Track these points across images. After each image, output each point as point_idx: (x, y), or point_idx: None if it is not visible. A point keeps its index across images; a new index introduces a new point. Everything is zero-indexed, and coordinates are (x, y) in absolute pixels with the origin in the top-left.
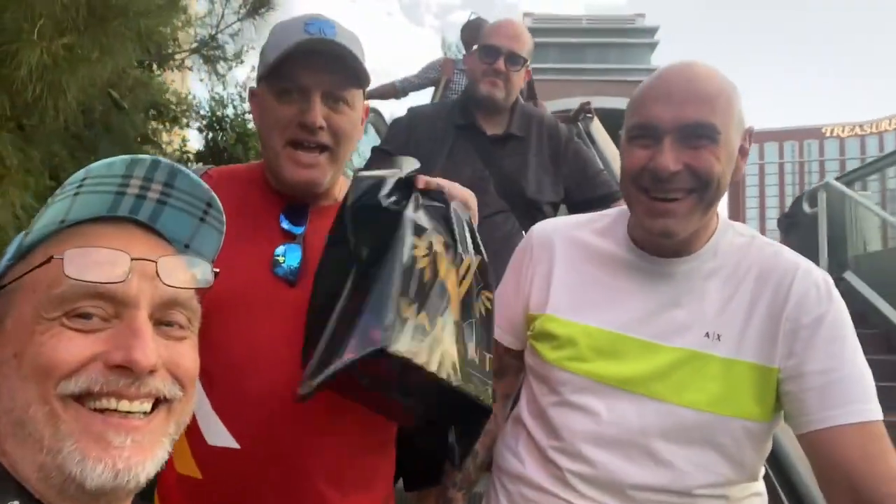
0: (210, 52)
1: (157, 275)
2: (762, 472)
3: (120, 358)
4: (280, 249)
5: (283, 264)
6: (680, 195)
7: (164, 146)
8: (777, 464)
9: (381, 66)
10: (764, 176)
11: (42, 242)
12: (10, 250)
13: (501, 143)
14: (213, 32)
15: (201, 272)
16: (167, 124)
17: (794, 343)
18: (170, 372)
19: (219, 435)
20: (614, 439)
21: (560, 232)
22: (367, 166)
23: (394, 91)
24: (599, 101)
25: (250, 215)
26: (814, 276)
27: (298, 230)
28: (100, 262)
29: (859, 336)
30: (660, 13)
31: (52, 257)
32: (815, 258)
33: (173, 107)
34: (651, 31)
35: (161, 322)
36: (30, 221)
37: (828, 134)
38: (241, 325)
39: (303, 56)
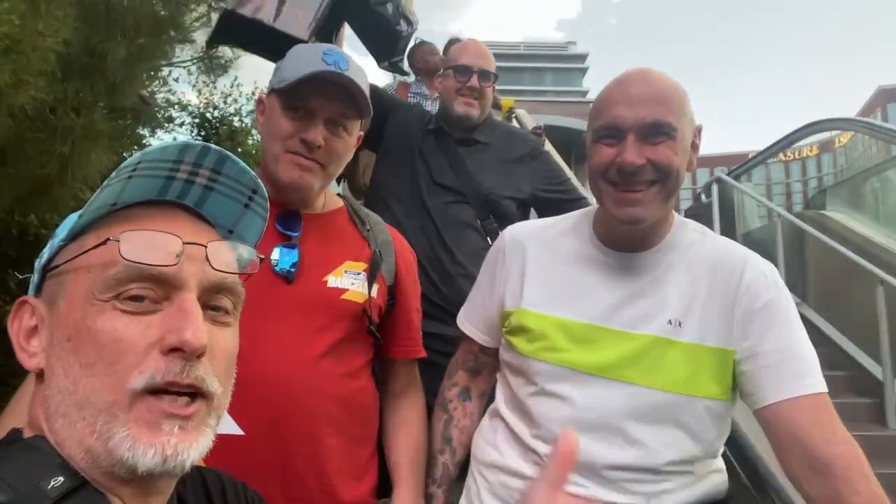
0: (210, 61)
1: (207, 259)
2: (721, 450)
3: (174, 340)
4: (276, 252)
5: (278, 265)
6: (644, 187)
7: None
8: (734, 443)
9: None
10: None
11: (94, 224)
12: (63, 231)
13: (466, 144)
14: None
15: (247, 254)
16: (163, 123)
17: (748, 326)
18: (210, 362)
19: (223, 423)
20: (589, 423)
21: (530, 234)
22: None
23: None
24: (537, 119)
25: None
26: (761, 267)
27: (294, 234)
28: (154, 244)
29: None
30: (590, 43)
31: (108, 239)
32: None
33: (169, 107)
34: (582, 58)
35: (208, 306)
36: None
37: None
38: (243, 318)
39: (317, 82)
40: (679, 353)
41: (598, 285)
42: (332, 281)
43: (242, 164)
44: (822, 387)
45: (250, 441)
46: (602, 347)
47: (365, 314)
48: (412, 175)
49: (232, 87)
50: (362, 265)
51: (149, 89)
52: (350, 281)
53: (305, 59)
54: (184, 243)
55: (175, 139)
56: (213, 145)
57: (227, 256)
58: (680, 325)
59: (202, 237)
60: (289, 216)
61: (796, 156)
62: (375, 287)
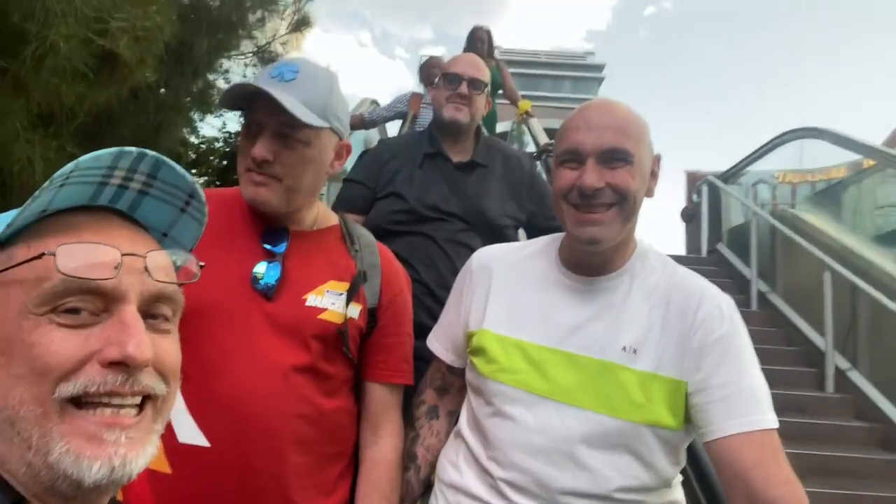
0: (263, 54)
1: (146, 269)
2: (678, 479)
3: (116, 354)
4: (259, 266)
5: (261, 280)
6: (603, 209)
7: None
8: (699, 473)
9: (352, 92)
10: None
11: (23, 233)
12: None
13: (466, 169)
14: (267, 42)
15: (182, 260)
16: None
17: (701, 359)
18: (155, 368)
19: (190, 433)
20: (541, 446)
21: (497, 257)
22: (339, 197)
23: (361, 122)
24: (553, 124)
25: (234, 233)
26: (717, 300)
27: (279, 250)
28: (91, 257)
29: (724, 285)
30: (618, 55)
31: (43, 253)
32: (701, 236)
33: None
34: (599, 68)
35: (147, 315)
36: None
37: (780, 179)
38: (218, 331)
39: (261, 97)
40: (633, 380)
41: (558, 308)
42: (312, 299)
43: (181, 169)
44: (770, 423)
45: (214, 452)
46: (556, 370)
47: (340, 334)
48: (412, 205)
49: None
50: (346, 285)
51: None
52: (331, 300)
53: (258, 77)
54: (122, 254)
55: (224, 124)
56: (150, 151)
57: (167, 265)
58: (635, 352)
59: (139, 246)
60: (275, 232)
61: (824, 176)
62: (357, 308)
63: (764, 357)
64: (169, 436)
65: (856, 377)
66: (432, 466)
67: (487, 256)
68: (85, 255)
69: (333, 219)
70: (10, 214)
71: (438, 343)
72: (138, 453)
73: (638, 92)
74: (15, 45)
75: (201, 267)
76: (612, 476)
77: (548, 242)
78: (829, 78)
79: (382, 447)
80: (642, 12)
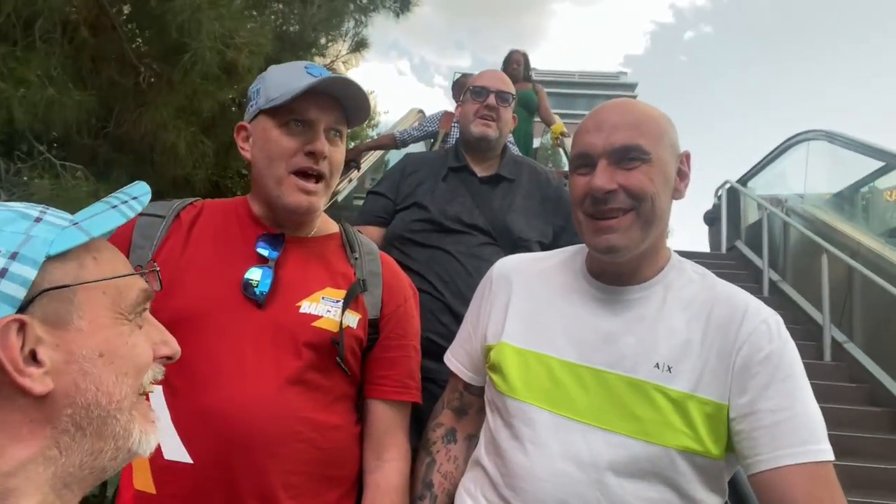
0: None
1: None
2: None
3: (170, 350)
4: (252, 272)
5: (253, 286)
6: (619, 214)
7: None
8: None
9: (392, 119)
10: None
11: (77, 247)
12: (43, 249)
13: (491, 183)
14: (332, 61)
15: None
16: None
17: (747, 380)
18: None
19: (174, 449)
20: (565, 474)
21: (518, 267)
22: (362, 209)
23: (393, 142)
24: None
25: (228, 240)
26: (763, 315)
27: (273, 255)
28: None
29: (740, 276)
30: (658, 80)
31: (153, 268)
32: (721, 234)
33: None
34: (632, 86)
35: None
36: None
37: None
38: (206, 342)
39: (312, 94)
40: (666, 402)
41: (583, 320)
42: (306, 306)
43: (146, 187)
44: (826, 454)
45: (198, 470)
46: (582, 388)
47: (334, 343)
48: (434, 215)
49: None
50: (343, 293)
51: None
52: (326, 308)
53: (290, 75)
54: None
55: None
56: (147, 186)
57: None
58: (670, 369)
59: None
60: (272, 238)
61: None
62: (355, 318)
63: None
64: (156, 454)
65: (851, 348)
66: (449, 496)
67: (508, 266)
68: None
69: (334, 227)
70: (49, 229)
71: (455, 359)
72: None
73: (676, 111)
74: (173, 54)
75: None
76: None
77: (573, 252)
78: (865, 99)
79: (387, 472)
80: (682, 36)
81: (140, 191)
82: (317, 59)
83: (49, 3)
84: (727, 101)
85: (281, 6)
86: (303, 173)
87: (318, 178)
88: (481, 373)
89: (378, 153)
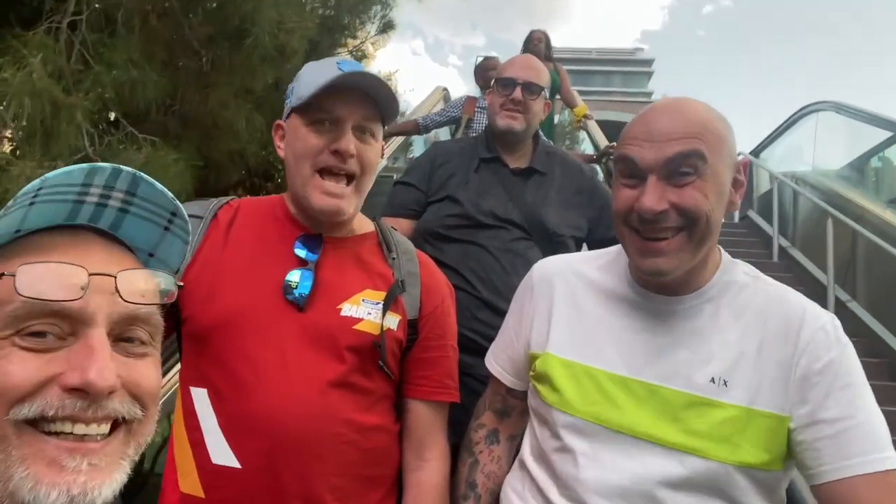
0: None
1: (117, 290)
2: None
3: (76, 379)
4: (293, 274)
5: (294, 289)
6: (669, 234)
7: None
8: None
9: (406, 101)
10: None
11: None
12: None
13: (524, 176)
14: (361, 42)
15: (165, 283)
16: None
17: (807, 390)
18: (129, 392)
19: (222, 453)
20: (618, 488)
21: (561, 268)
22: (390, 201)
23: (416, 128)
24: (604, 115)
25: (266, 242)
26: (822, 320)
27: (312, 257)
28: (55, 277)
29: (751, 244)
30: (676, 55)
31: (2, 274)
32: None
33: None
34: (648, 62)
35: (121, 338)
36: None
37: None
38: (248, 346)
39: (338, 90)
40: (723, 416)
41: (632, 330)
42: (347, 309)
43: (159, 186)
44: (891, 462)
45: (245, 474)
46: (633, 402)
47: (376, 346)
48: (468, 210)
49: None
50: (383, 294)
51: None
52: (367, 310)
53: (320, 72)
54: (90, 274)
55: None
56: (125, 167)
57: (142, 285)
58: (725, 383)
59: (113, 265)
60: (310, 239)
61: None
62: (395, 319)
63: None
64: (203, 457)
65: (853, 306)
66: (493, 495)
67: (549, 268)
68: (48, 274)
69: (369, 225)
70: None
71: (497, 364)
72: (102, 482)
73: (694, 87)
74: (232, 40)
75: (180, 287)
76: None
77: (616, 254)
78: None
79: (428, 471)
80: (700, 11)
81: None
82: (349, 40)
83: None
84: (746, 75)
85: None
86: (329, 172)
87: (349, 178)
88: (524, 378)
89: (400, 139)
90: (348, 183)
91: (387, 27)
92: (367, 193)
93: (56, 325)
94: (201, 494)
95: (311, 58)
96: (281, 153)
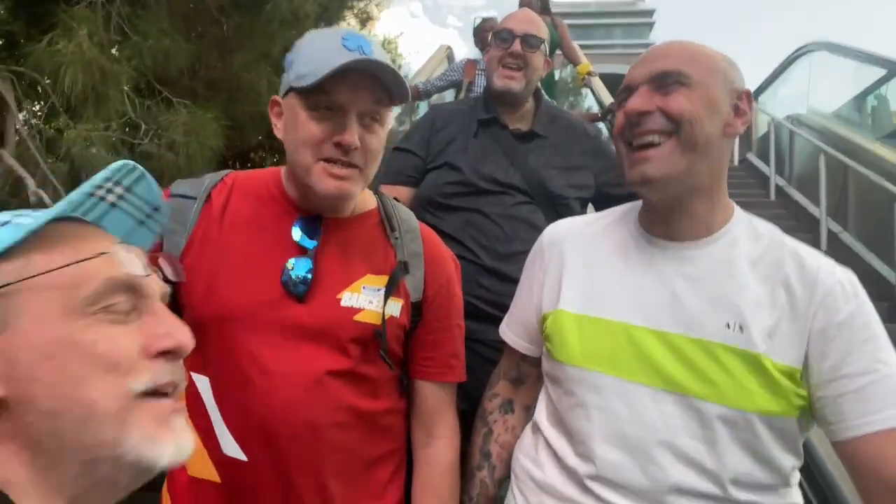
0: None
1: (159, 270)
2: (796, 478)
3: (171, 343)
4: (291, 263)
5: (293, 281)
6: (655, 138)
7: None
8: (812, 477)
9: (405, 64)
10: None
11: (25, 242)
12: None
13: (525, 139)
14: (365, 4)
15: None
16: None
17: (825, 344)
18: None
19: (230, 446)
20: (636, 438)
21: (570, 231)
22: (389, 167)
23: (417, 94)
24: (606, 69)
25: (263, 228)
26: (838, 275)
27: (312, 244)
28: (133, 257)
29: (749, 185)
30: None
31: (101, 253)
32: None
33: None
34: (649, 13)
35: None
36: None
37: None
38: (247, 339)
39: (344, 73)
40: (741, 363)
41: (643, 277)
42: (347, 298)
43: (156, 186)
44: None
45: (253, 467)
46: (648, 351)
47: (377, 336)
48: (467, 176)
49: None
50: (384, 279)
51: None
52: (368, 298)
53: (324, 49)
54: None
55: None
56: (139, 167)
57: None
58: (741, 328)
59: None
60: (309, 222)
61: None
62: (398, 304)
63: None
64: (215, 447)
65: (845, 237)
66: (508, 465)
67: (558, 231)
68: (130, 255)
69: (372, 201)
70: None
71: (511, 331)
72: (191, 438)
73: (693, 29)
74: (255, 5)
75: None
76: (720, 472)
77: (626, 209)
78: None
79: (439, 447)
80: None
81: (99, 179)
82: (355, 2)
83: None
84: (752, 21)
85: None
86: (331, 161)
87: (354, 165)
88: (538, 343)
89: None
90: (351, 167)
91: (366, 19)
92: (371, 177)
93: (127, 300)
94: (217, 480)
95: (321, 21)
96: (278, 132)
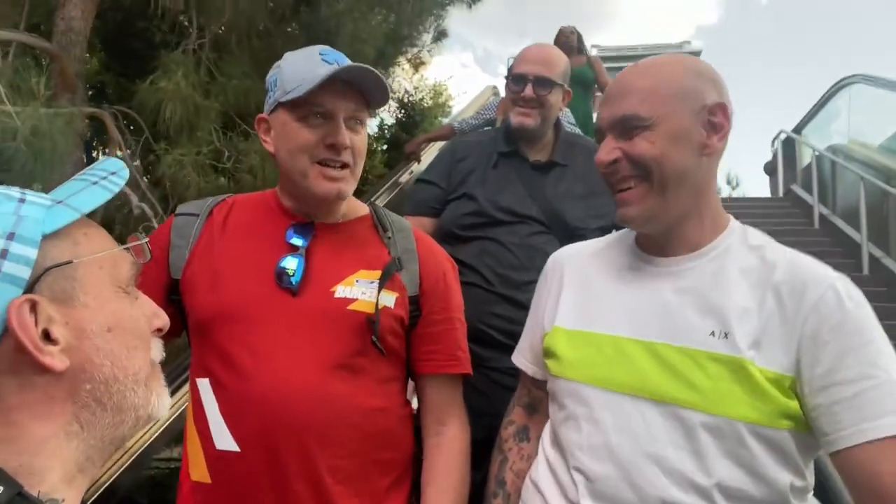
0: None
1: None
2: (803, 499)
3: (161, 322)
4: (284, 261)
5: (286, 275)
6: (631, 183)
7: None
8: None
9: (454, 105)
10: None
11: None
12: (38, 228)
13: (544, 170)
14: (418, 50)
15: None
16: None
17: (818, 350)
18: None
19: (223, 439)
20: (623, 449)
21: (571, 254)
22: (412, 199)
23: (452, 133)
24: None
25: (260, 234)
26: (830, 280)
27: (303, 243)
28: (138, 246)
29: (793, 214)
30: (733, 53)
31: (139, 241)
32: (778, 180)
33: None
34: (696, 54)
35: None
36: None
37: None
38: (244, 333)
39: (328, 83)
40: (723, 369)
41: (635, 295)
42: (341, 291)
43: (119, 163)
44: None
45: (244, 458)
46: (634, 362)
47: (369, 322)
48: (483, 206)
49: (420, 80)
50: (378, 273)
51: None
52: (361, 290)
53: (306, 64)
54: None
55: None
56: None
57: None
58: (725, 336)
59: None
60: (302, 227)
61: None
62: (392, 296)
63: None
64: (208, 444)
65: (888, 262)
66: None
67: (561, 255)
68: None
69: (364, 209)
70: (36, 207)
71: (521, 355)
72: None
73: (739, 71)
74: None
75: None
76: (708, 486)
77: (626, 231)
78: None
79: (450, 434)
80: (759, 1)
81: (115, 166)
82: (409, 49)
83: (240, 16)
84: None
85: (384, 9)
86: (325, 163)
87: (344, 165)
88: (543, 365)
89: (439, 144)
90: (343, 168)
91: (440, 35)
92: (358, 178)
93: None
94: (208, 480)
95: (378, 64)
96: (269, 148)
